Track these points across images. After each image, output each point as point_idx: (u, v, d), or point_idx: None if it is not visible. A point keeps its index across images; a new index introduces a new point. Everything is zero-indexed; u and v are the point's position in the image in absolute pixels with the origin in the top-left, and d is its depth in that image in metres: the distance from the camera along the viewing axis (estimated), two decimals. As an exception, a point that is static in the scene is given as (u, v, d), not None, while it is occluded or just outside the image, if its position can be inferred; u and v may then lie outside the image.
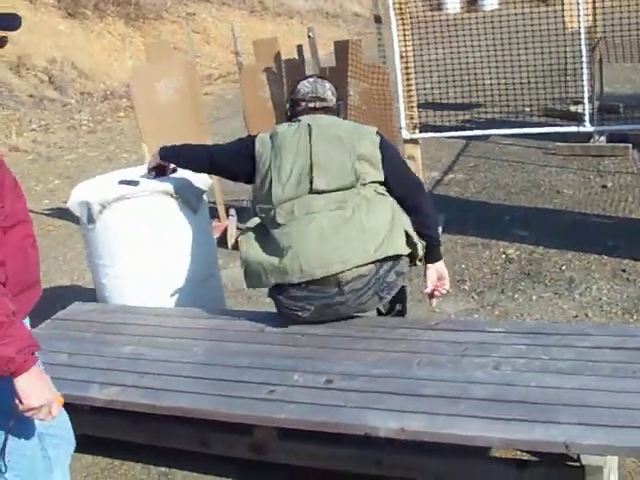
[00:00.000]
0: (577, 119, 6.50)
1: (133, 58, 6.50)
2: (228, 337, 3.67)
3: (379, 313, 3.83)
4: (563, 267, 5.20)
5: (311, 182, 3.47)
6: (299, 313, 3.50)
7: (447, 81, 6.85)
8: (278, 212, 3.51)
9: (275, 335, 3.57)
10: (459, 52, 7.10)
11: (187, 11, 20.54)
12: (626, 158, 7.56)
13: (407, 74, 5.38)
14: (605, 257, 5.27)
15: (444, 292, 3.83)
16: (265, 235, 3.58)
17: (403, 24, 5.30)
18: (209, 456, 3.46)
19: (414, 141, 5.53)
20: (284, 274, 3.43)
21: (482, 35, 6.85)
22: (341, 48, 5.91)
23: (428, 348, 3.27)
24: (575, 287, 4.89)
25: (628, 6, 6.45)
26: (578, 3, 5.61)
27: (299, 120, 3.63)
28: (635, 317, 4.42)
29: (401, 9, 5.26)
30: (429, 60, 6.36)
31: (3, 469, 2.25)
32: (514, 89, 6.79)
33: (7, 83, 13.20)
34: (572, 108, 8.59)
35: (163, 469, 3.56)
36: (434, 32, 6.40)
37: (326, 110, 3.68)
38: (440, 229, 4.04)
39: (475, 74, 7.16)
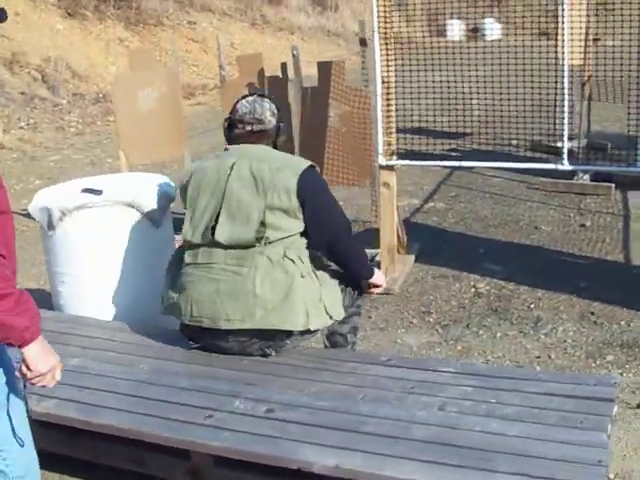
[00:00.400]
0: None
1: (117, 64, 6.39)
2: (175, 356, 3.59)
3: (325, 346, 3.78)
4: (532, 305, 5.13)
5: (213, 233, 3.43)
6: (192, 344, 3.59)
7: (435, 108, 6.80)
8: (187, 251, 3.56)
9: (222, 358, 3.49)
10: (455, 80, 7.02)
11: (188, 19, 20.52)
12: (608, 198, 7.51)
13: (387, 99, 5.31)
14: (575, 298, 5.20)
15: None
16: (179, 266, 3.61)
17: (387, 48, 5.23)
18: (148, 477, 3.36)
19: (390, 168, 5.45)
20: (178, 312, 3.53)
21: (477, 64, 6.80)
22: (324, 69, 5.87)
23: (375, 383, 3.19)
24: (541, 327, 4.82)
25: (621, 47, 6.42)
26: (572, 40, 5.59)
27: (227, 150, 3.56)
28: (598, 362, 4.35)
29: (386, 33, 5.20)
30: (424, 86, 6.28)
31: None
32: (501, 121, 6.74)
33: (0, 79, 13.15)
34: (559, 144, 8.54)
35: (101, 487, 3.47)
36: (432, 58, 6.34)
37: (263, 134, 3.54)
38: (376, 262, 3.96)
39: (465, 103, 7.09)
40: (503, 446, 2.66)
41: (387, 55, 5.25)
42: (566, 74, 5.16)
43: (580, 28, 6.35)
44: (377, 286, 3.76)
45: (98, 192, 4.12)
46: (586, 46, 7.53)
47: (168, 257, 4.22)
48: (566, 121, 5.18)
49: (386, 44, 5.24)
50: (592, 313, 4.97)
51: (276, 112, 3.58)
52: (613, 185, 7.60)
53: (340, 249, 3.50)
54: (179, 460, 3.19)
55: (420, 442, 2.72)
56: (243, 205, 3.37)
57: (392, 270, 5.64)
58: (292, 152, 6.11)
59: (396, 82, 5.41)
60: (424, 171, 8.50)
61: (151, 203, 4.12)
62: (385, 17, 5.19)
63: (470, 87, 6.91)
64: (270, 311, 3.33)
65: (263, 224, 3.35)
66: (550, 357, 4.44)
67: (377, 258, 5.73)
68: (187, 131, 7.00)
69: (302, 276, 3.38)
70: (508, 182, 8.23)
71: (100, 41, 16.69)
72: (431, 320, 5.06)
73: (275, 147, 3.58)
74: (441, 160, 7.02)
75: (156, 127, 6.27)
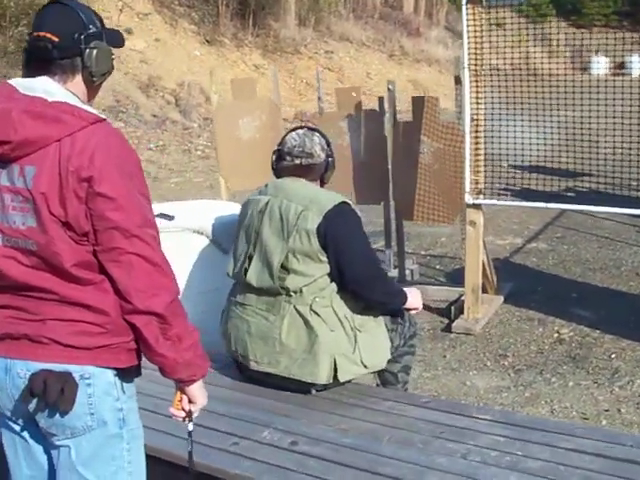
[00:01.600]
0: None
1: (219, 92, 6.58)
2: (223, 382, 3.65)
3: (376, 384, 3.76)
4: (613, 355, 4.95)
5: (245, 272, 3.46)
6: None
7: (560, 145, 6.64)
8: (232, 287, 3.66)
9: (261, 387, 3.53)
10: (581, 116, 6.82)
11: (326, 49, 20.88)
12: None
13: (476, 137, 5.26)
14: (662, 352, 4.98)
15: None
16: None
17: (477, 85, 5.19)
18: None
19: (477, 206, 5.39)
20: (223, 338, 3.65)
21: (607, 101, 6.61)
22: (418, 103, 5.85)
23: (406, 425, 3.15)
24: (618, 379, 4.64)
25: None
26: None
27: (266, 187, 3.58)
28: (670, 421, 4.15)
29: (476, 70, 5.16)
30: (549, 122, 6.15)
31: None
32: (622, 160, 6.51)
33: (134, 101, 13.73)
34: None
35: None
36: (565, 92, 6.23)
37: (311, 168, 3.51)
38: (410, 288, 3.86)
39: (591, 142, 6.82)
40: (516, 501, 2.59)
41: (477, 91, 5.20)
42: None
43: None
44: (415, 309, 3.69)
45: (170, 217, 4.25)
46: None
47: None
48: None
49: (476, 80, 5.20)
50: (677, 369, 4.75)
51: (326, 147, 3.56)
52: None
53: (365, 294, 3.40)
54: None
55: (432, 489, 2.68)
56: (270, 249, 3.37)
57: (475, 310, 5.55)
58: (386, 187, 6.14)
59: (514, 118, 5.32)
60: (533, 210, 8.31)
61: (220, 230, 4.22)
62: (476, 53, 5.15)
63: (599, 124, 6.70)
64: (295, 361, 3.34)
65: (285, 269, 3.33)
66: (619, 411, 4.27)
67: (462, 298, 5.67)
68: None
69: (331, 330, 3.32)
70: (619, 225, 7.95)
71: (236, 67, 17.18)
72: (506, 364, 4.95)
73: (322, 182, 3.60)
74: (537, 202, 6.81)
75: (255, 155, 6.38)
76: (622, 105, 7.08)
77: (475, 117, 5.24)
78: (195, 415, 2.34)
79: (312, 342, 3.31)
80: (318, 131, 3.65)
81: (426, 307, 5.95)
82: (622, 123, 7.11)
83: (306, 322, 3.32)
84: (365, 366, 3.42)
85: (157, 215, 4.28)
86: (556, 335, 5.33)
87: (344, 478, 2.77)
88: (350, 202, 3.53)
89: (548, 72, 10.77)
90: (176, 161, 12.41)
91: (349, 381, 3.49)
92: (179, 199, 8.85)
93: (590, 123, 6.64)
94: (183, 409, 2.30)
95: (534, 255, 7.21)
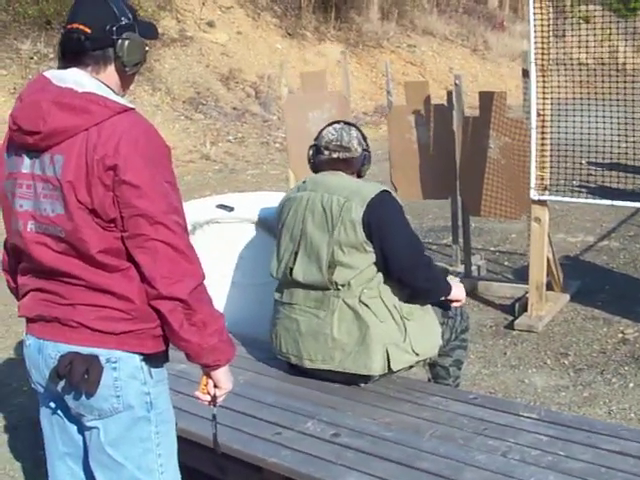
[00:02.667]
0: None
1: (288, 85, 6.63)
2: (272, 372, 3.71)
3: (428, 378, 3.77)
4: (678, 358, 4.84)
5: (291, 270, 3.48)
6: None
7: (635, 141, 6.50)
8: (276, 288, 3.67)
9: (312, 379, 3.57)
10: None
11: (408, 42, 20.79)
12: None
13: (542, 132, 5.19)
14: None
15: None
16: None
17: (544, 80, 5.12)
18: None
19: (542, 203, 5.32)
20: (272, 342, 3.67)
21: None
22: (486, 99, 5.80)
23: (449, 420, 3.15)
24: (680, 382, 4.53)
25: None
26: None
27: (305, 182, 3.59)
28: None
29: (542, 64, 5.09)
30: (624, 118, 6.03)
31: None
32: None
33: (214, 94, 13.93)
34: None
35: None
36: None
37: (349, 162, 3.53)
38: (454, 280, 3.81)
39: None
40: (551, 501, 2.57)
41: (544, 86, 5.13)
42: None
43: None
44: (458, 300, 3.66)
45: (230, 209, 4.33)
46: None
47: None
48: None
49: (543, 75, 5.13)
50: None
51: (362, 141, 3.57)
52: None
53: (410, 280, 3.41)
54: (253, 472, 3.30)
55: (467, 485, 2.68)
56: (315, 244, 3.40)
57: (539, 308, 5.48)
58: (454, 181, 6.10)
59: (595, 114, 5.36)
60: (607, 208, 8.14)
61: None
62: (542, 47, 5.08)
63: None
64: (348, 354, 3.36)
65: (333, 262, 3.35)
66: (678, 415, 4.18)
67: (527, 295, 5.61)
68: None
69: (381, 321, 3.34)
70: (696, 225, 7.75)
71: (318, 61, 17.25)
72: (566, 362, 4.88)
73: (359, 175, 3.60)
74: (626, 199, 6.62)
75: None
76: None
77: (541, 112, 5.17)
78: (220, 399, 2.38)
79: (363, 334, 3.34)
80: (355, 126, 3.66)
81: (490, 303, 5.94)
82: None
83: (356, 314, 3.35)
84: (416, 354, 3.43)
85: (218, 206, 4.38)
86: (620, 335, 5.23)
87: (379, 471, 2.78)
88: (391, 190, 3.56)
89: (633, 67, 10.54)
90: (254, 153, 12.54)
91: (402, 370, 3.50)
92: (253, 191, 8.98)
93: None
94: (208, 393, 2.34)
95: (605, 253, 7.07)
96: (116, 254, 2.08)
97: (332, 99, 6.54)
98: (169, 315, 2.09)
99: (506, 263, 6.99)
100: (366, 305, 3.35)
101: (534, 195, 5.32)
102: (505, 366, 4.90)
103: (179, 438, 3.22)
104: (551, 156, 5.38)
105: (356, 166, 3.57)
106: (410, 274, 3.40)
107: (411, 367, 3.55)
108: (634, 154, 7.02)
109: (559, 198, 5.68)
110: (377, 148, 3.80)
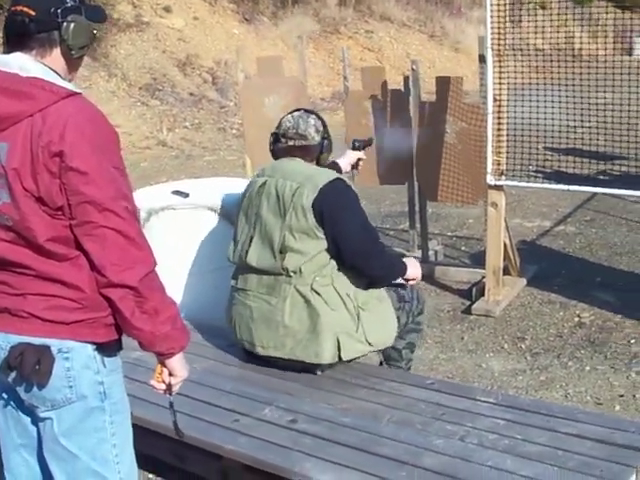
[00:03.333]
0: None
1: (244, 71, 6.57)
2: (230, 360, 3.69)
3: (380, 361, 3.76)
4: (632, 341, 4.88)
5: (247, 254, 3.47)
6: None
7: (598, 127, 6.55)
8: (232, 273, 3.68)
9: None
10: (620, 98, 6.68)
11: (366, 28, 20.73)
12: None
13: (499, 118, 5.20)
14: (683, 337, 4.90)
15: None
16: None
17: (500, 66, 5.12)
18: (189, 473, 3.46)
19: (498, 188, 5.33)
20: (230, 328, 3.68)
21: None
22: (442, 84, 5.80)
23: (407, 406, 3.16)
24: (635, 364, 4.57)
25: None
26: None
27: (263, 169, 3.62)
28: (685, 407, 4.09)
29: (499, 50, 5.09)
30: (587, 104, 6.05)
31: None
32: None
33: (171, 80, 13.79)
34: None
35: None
36: (599, 74, 6.13)
37: (305, 149, 3.55)
38: (409, 260, 3.82)
39: (627, 123, 6.67)
40: (508, 485, 2.57)
41: (500, 72, 5.13)
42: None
43: None
44: (414, 279, 3.67)
45: (185, 195, 4.28)
46: None
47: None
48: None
49: (499, 61, 5.13)
50: (697, 355, 4.68)
51: (321, 129, 3.58)
52: None
53: (364, 269, 3.41)
54: (212, 460, 3.27)
55: (425, 470, 2.68)
56: (269, 229, 3.40)
57: (496, 292, 5.50)
58: (410, 166, 6.10)
59: (551, 99, 5.45)
60: (563, 193, 8.19)
61: (233, 207, 4.22)
62: (499, 33, 5.08)
63: (638, 107, 6.56)
64: (299, 342, 3.36)
65: (284, 248, 3.35)
66: (634, 397, 4.22)
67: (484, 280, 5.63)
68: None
69: (332, 309, 3.34)
70: (651, 209, 7.83)
71: (275, 47, 17.14)
72: (523, 347, 4.91)
73: (318, 163, 3.60)
74: (557, 184, 6.68)
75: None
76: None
77: (498, 97, 5.17)
78: (176, 388, 2.34)
79: (314, 322, 3.33)
80: (315, 113, 3.68)
81: (448, 288, 5.96)
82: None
83: (307, 302, 3.34)
84: (370, 344, 3.43)
85: (173, 192, 4.33)
86: (577, 319, 5.27)
87: (338, 457, 2.78)
88: (345, 179, 3.56)
89: (589, 53, 10.63)
90: (210, 139, 12.45)
91: (355, 360, 3.49)
92: (210, 177, 8.90)
93: (630, 105, 6.53)
94: (163, 381, 2.31)
95: (561, 238, 7.12)
96: (65, 242, 2.04)
97: (289, 84, 6.49)
98: (120, 303, 2.05)
99: (463, 248, 7.01)
100: (317, 293, 3.35)
101: (490, 180, 5.33)
102: (462, 351, 4.91)
103: (137, 427, 3.18)
104: (507, 141, 5.39)
105: (314, 154, 3.59)
106: (364, 261, 3.40)
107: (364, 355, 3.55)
108: (590, 139, 7.09)
109: (515, 183, 5.69)
110: (334, 134, 3.78)
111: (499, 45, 5.12)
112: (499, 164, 5.30)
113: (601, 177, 8.85)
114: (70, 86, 2.06)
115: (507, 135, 5.33)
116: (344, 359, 3.39)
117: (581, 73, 6.69)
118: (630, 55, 17.12)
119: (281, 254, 3.35)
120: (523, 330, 5.15)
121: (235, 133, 12.92)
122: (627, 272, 6.14)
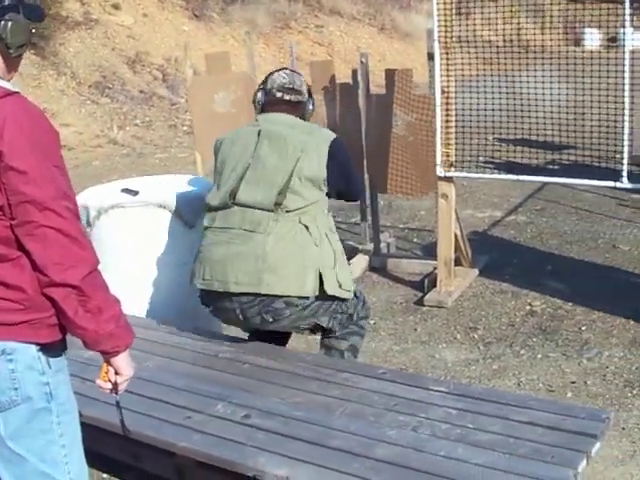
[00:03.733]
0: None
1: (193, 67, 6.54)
2: (183, 356, 3.66)
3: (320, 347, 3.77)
4: (583, 327, 4.95)
5: (235, 194, 3.46)
6: (205, 308, 3.70)
7: (545, 118, 6.58)
8: (206, 215, 3.60)
9: (223, 361, 3.56)
10: (567, 89, 6.75)
11: (316, 23, 20.74)
12: (703, 219, 7.13)
13: (447, 110, 5.23)
14: (632, 322, 4.97)
15: None
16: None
17: (447, 58, 5.16)
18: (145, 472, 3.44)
19: (448, 179, 5.37)
20: (193, 276, 3.58)
21: (595, 73, 6.53)
22: (391, 76, 5.82)
23: (360, 397, 3.15)
24: (587, 351, 4.64)
25: None
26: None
27: (257, 120, 3.62)
28: (635, 391, 4.15)
29: (446, 42, 5.13)
30: (534, 95, 6.10)
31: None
32: (607, 133, 6.43)
33: (121, 77, 13.67)
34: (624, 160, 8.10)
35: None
36: (548, 65, 6.20)
37: (298, 105, 3.63)
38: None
39: (577, 114, 6.73)
40: (460, 474, 2.58)
41: (447, 64, 5.17)
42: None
43: None
44: None
45: (134, 192, 4.24)
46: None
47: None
48: (626, 138, 4.94)
49: (447, 53, 5.17)
50: (646, 340, 4.75)
51: (307, 88, 3.73)
52: None
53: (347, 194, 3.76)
54: (166, 457, 3.25)
55: (378, 462, 2.68)
56: (269, 169, 3.43)
57: (448, 283, 5.54)
58: (360, 158, 6.11)
59: (500, 90, 5.50)
60: (514, 183, 8.27)
61: (184, 204, 4.20)
62: (446, 25, 5.11)
63: (585, 98, 6.62)
64: (280, 278, 3.35)
65: (286, 189, 3.39)
66: (586, 383, 4.28)
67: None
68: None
69: (316, 245, 3.40)
70: (599, 198, 7.92)
71: (225, 42, 17.08)
72: (476, 337, 4.96)
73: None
74: (507, 174, 6.73)
75: (231, 129, 6.37)
76: (607, 77, 7.01)
77: (446, 89, 5.22)
78: (122, 387, 2.33)
79: (299, 255, 3.37)
80: (299, 73, 3.78)
81: (400, 280, 5.99)
82: (607, 95, 7.02)
83: (293, 236, 3.38)
84: (339, 284, 3.46)
85: (122, 190, 4.29)
86: (528, 308, 5.33)
87: (291, 451, 2.77)
88: None
89: (539, 44, 10.73)
90: (161, 137, 12.38)
91: (332, 298, 3.50)
92: (162, 174, 8.84)
93: (576, 95, 6.58)
94: (110, 380, 2.29)
95: (512, 228, 7.20)
96: (5, 243, 2.01)
97: (238, 80, 6.47)
98: (63, 302, 2.02)
99: (415, 240, 7.05)
100: (306, 227, 3.41)
101: (440, 172, 5.36)
102: (416, 342, 4.94)
103: (91, 427, 3.16)
104: (457, 132, 5.43)
105: (302, 110, 3.68)
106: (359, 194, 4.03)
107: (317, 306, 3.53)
108: (539, 130, 7.14)
109: (465, 174, 5.74)
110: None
111: (446, 37, 5.15)
112: (448, 156, 5.34)
113: (551, 167, 8.93)
114: (8, 85, 2.03)
115: (456, 127, 5.37)
116: (328, 292, 3.41)
117: (529, 64, 6.75)
118: (579, 46, 17.34)
119: (279, 194, 3.39)
120: (475, 320, 5.19)
121: (186, 130, 12.85)
122: (577, 260, 6.22)
